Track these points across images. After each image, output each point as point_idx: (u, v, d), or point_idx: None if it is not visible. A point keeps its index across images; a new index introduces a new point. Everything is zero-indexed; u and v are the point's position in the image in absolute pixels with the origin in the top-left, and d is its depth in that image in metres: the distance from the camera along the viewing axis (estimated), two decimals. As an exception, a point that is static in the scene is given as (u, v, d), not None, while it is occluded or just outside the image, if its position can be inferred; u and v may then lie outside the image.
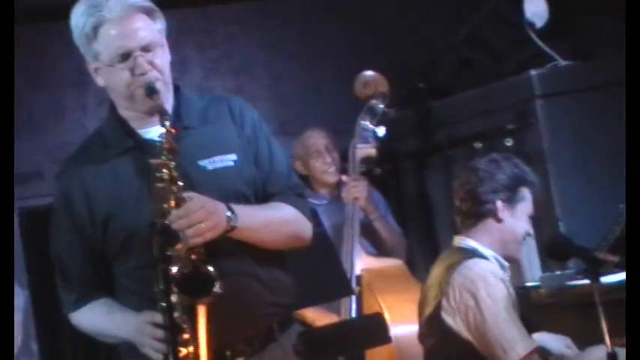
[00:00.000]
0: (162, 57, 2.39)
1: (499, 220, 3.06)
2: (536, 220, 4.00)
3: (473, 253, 3.05)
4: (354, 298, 3.87)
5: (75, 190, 2.40)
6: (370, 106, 4.10)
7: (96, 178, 2.39)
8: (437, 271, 3.08)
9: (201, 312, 2.19)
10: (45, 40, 4.55)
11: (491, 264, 3.01)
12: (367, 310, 3.88)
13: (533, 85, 4.15)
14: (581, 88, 4.19)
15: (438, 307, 3.00)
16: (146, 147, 2.37)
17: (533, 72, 4.16)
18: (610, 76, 4.18)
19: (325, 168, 4.23)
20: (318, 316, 3.92)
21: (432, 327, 3.03)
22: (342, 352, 2.64)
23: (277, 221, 2.41)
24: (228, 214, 2.29)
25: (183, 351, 2.21)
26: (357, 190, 4.03)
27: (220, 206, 2.29)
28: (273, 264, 2.42)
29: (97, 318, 2.43)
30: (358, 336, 2.39)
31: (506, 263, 3.09)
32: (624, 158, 4.00)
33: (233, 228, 2.29)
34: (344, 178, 4.12)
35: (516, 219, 3.07)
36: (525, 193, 3.09)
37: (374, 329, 2.37)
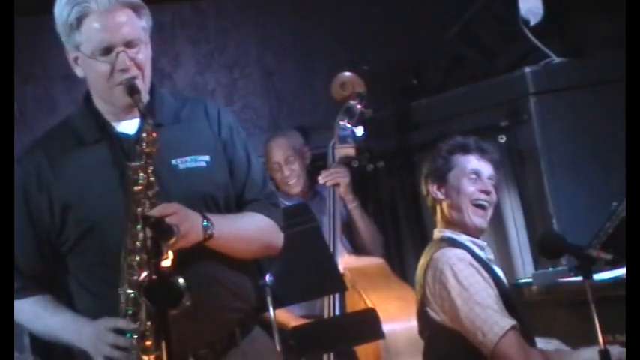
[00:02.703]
0: (145, 54, 2.35)
1: (440, 202, 3.09)
2: (528, 217, 4.03)
3: (448, 242, 3.06)
4: (337, 296, 3.88)
5: (35, 177, 2.35)
6: (348, 107, 4.13)
7: (61, 166, 2.35)
8: (419, 267, 3.12)
9: (166, 321, 2.12)
10: (36, 34, 4.53)
11: (459, 250, 3.00)
12: (350, 307, 3.87)
13: (526, 82, 4.16)
14: (574, 86, 4.20)
15: (422, 303, 3.04)
16: (117, 140, 2.35)
17: (527, 69, 4.17)
18: (604, 74, 4.20)
19: (284, 181, 4.25)
20: (290, 319, 3.90)
21: (423, 322, 3.07)
22: (334, 347, 2.64)
23: (251, 232, 2.39)
24: (205, 223, 2.27)
25: (145, 359, 2.19)
26: (339, 175, 4.04)
27: (196, 217, 2.27)
28: (238, 268, 2.40)
29: (42, 314, 2.37)
30: (351, 331, 2.38)
31: (482, 242, 3.10)
32: (617, 156, 4.03)
33: (210, 236, 2.27)
34: (320, 179, 4.11)
35: (451, 189, 3.08)
36: (455, 159, 3.10)
37: (367, 325, 2.36)
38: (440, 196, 3.12)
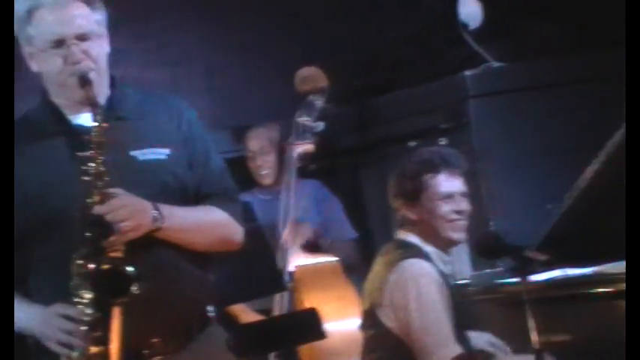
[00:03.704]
0: (99, 47, 2.35)
1: (413, 221, 3.10)
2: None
3: (413, 250, 3.07)
4: (286, 294, 3.89)
5: None
6: (309, 102, 4.10)
7: (21, 159, 2.34)
8: (377, 267, 3.11)
9: (116, 311, 2.15)
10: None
11: (427, 264, 3.02)
12: (298, 305, 3.89)
13: (466, 85, 4.23)
14: (513, 89, 4.28)
15: (374, 304, 3.03)
16: (76, 132, 2.34)
17: (467, 72, 4.24)
18: (541, 79, 4.28)
19: (257, 170, 4.27)
20: (244, 314, 3.92)
21: (369, 321, 3.07)
22: (275, 347, 2.64)
23: (207, 224, 2.39)
24: (155, 213, 2.27)
25: (94, 349, 2.18)
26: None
27: (146, 205, 2.26)
28: (197, 262, 2.40)
29: None
30: (292, 332, 2.40)
31: (447, 257, 3.12)
32: (555, 159, 4.11)
33: (158, 228, 2.28)
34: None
35: (424, 211, 3.08)
36: (425, 181, 3.09)
37: (308, 325, 2.37)
38: (413, 216, 3.10)
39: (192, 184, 2.41)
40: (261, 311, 3.97)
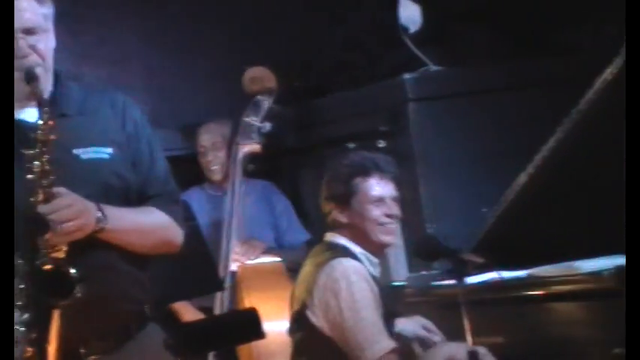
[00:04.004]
0: (46, 42, 2.32)
1: (343, 224, 3.12)
2: (403, 221, 4.12)
3: (342, 251, 3.08)
4: (227, 293, 3.88)
5: None
6: (256, 102, 4.11)
7: None
8: (307, 268, 3.12)
9: (56, 313, 2.13)
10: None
11: (357, 263, 3.04)
12: (239, 304, 3.89)
13: (405, 88, 4.25)
14: (451, 94, 4.32)
15: (303, 305, 3.04)
16: (20, 129, 2.30)
17: (406, 76, 4.27)
18: (480, 84, 4.34)
19: (207, 166, 4.27)
20: (186, 312, 3.91)
21: (299, 323, 3.07)
22: (213, 347, 2.64)
23: (148, 226, 2.38)
24: (98, 214, 2.26)
25: (30, 350, 2.16)
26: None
27: (90, 206, 2.25)
28: (135, 261, 2.39)
29: None
30: (230, 331, 2.41)
31: (375, 259, 3.14)
32: (492, 163, 4.18)
33: (101, 229, 2.26)
34: None
35: (355, 214, 3.09)
36: (356, 184, 3.10)
37: (247, 325, 2.38)
38: (344, 219, 3.12)
39: (135, 184, 2.40)
40: (203, 309, 3.97)
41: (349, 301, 2.94)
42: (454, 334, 2.96)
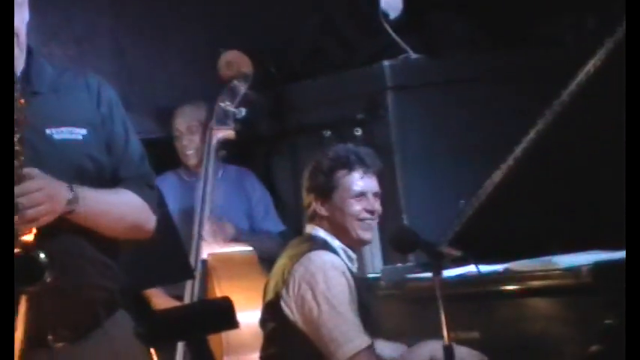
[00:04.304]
0: (20, 16, 2.30)
1: (323, 217, 3.13)
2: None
3: (321, 244, 3.10)
4: (197, 282, 3.88)
5: None
6: (231, 87, 4.11)
7: None
8: (283, 259, 3.13)
9: (23, 299, 2.13)
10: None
11: (335, 257, 3.05)
12: (210, 293, 3.91)
13: (384, 75, 4.26)
14: (431, 83, 4.34)
15: (277, 296, 3.05)
16: None
17: (385, 63, 4.28)
18: (460, 73, 4.37)
19: (182, 150, 4.26)
20: (158, 299, 3.92)
21: (271, 314, 3.08)
22: (185, 336, 2.65)
23: (121, 210, 2.37)
24: (70, 196, 2.25)
25: None
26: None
27: (62, 187, 2.24)
28: (106, 247, 2.38)
29: None
30: (204, 320, 2.41)
31: (353, 254, 3.16)
32: (469, 154, 4.21)
33: (72, 211, 2.26)
34: None
35: (335, 209, 3.11)
36: (338, 178, 3.11)
37: (220, 314, 2.39)
38: (324, 212, 3.12)
39: (109, 167, 2.39)
40: (173, 297, 3.97)
41: (326, 296, 2.96)
42: (429, 329, 2.96)
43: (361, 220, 3.13)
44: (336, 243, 3.12)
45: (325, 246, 3.10)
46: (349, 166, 3.13)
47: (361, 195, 3.12)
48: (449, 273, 3.21)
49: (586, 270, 2.99)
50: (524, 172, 3.43)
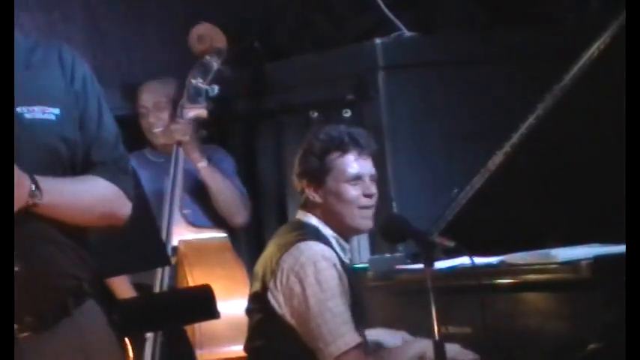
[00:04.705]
0: None
1: (317, 204, 3.13)
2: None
3: (312, 233, 3.10)
4: (167, 270, 3.88)
5: None
6: (203, 63, 4.08)
7: None
8: (271, 247, 3.13)
9: None
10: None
11: (327, 248, 3.05)
12: (180, 282, 3.91)
13: (376, 54, 4.25)
14: (426, 62, 4.33)
15: (264, 287, 3.05)
16: None
17: (377, 40, 4.27)
18: (457, 53, 4.37)
19: (149, 128, 4.24)
20: (121, 288, 3.92)
21: (258, 305, 3.09)
22: (163, 325, 2.66)
23: (90, 200, 2.35)
24: (32, 188, 2.22)
25: None
26: (181, 130, 4.00)
27: (23, 178, 2.21)
28: (75, 233, 2.37)
29: None
30: (182, 309, 2.43)
31: (346, 245, 3.16)
32: (462, 141, 4.23)
33: (35, 205, 2.24)
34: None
35: (330, 194, 3.10)
36: (331, 161, 3.11)
37: (200, 303, 2.40)
38: (317, 198, 3.11)
39: (82, 148, 2.37)
40: (139, 285, 3.98)
41: (315, 289, 2.97)
42: (419, 323, 3.01)
43: (361, 207, 3.12)
44: (328, 231, 3.12)
45: (317, 235, 3.10)
46: (343, 148, 3.12)
47: (357, 178, 3.12)
48: (441, 264, 3.23)
49: (585, 264, 3.03)
50: (521, 159, 3.46)
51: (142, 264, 3.50)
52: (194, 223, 4.12)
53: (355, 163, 3.13)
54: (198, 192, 4.18)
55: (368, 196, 3.14)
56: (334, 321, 2.96)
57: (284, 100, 4.56)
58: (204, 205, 4.19)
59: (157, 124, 4.23)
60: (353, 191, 3.12)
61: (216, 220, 4.20)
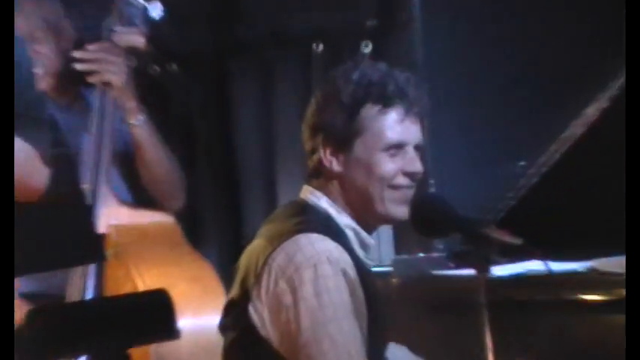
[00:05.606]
0: None
1: (333, 175, 3.09)
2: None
3: (319, 221, 3.05)
4: (90, 269, 3.84)
5: None
6: None
7: None
8: (260, 238, 3.08)
9: None
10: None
11: (335, 245, 2.98)
12: (112, 286, 3.87)
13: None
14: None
15: (245, 295, 3.00)
16: None
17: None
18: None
19: None
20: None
21: (234, 318, 3.04)
22: (92, 349, 2.62)
23: None
24: None
25: None
26: (109, 65, 3.99)
27: None
28: None
29: None
30: (124, 325, 2.38)
31: (369, 240, 3.11)
32: (529, 89, 4.21)
33: None
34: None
35: (356, 164, 3.08)
36: (366, 118, 3.07)
37: (152, 316, 2.36)
38: (336, 166, 3.07)
39: None
40: (36, 295, 3.95)
41: (312, 303, 2.92)
42: (466, 350, 2.94)
43: (395, 187, 3.07)
44: (344, 220, 3.08)
45: (326, 224, 3.04)
46: (385, 100, 3.07)
47: (398, 147, 3.06)
48: (500, 270, 3.29)
49: None
50: (616, 124, 3.45)
51: (69, 259, 3.49)
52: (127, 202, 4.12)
53: (399, 126, 3.07)
54: (127, 161, 4.17)
55: (408, 174, 3.09)
56: (333, 352, 2.91)
57: (273, 28, 4.58)
58: (133, 179, 4.19)
59: (36, 61, 4.21)
60: (390, 164, 3.06)
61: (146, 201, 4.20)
